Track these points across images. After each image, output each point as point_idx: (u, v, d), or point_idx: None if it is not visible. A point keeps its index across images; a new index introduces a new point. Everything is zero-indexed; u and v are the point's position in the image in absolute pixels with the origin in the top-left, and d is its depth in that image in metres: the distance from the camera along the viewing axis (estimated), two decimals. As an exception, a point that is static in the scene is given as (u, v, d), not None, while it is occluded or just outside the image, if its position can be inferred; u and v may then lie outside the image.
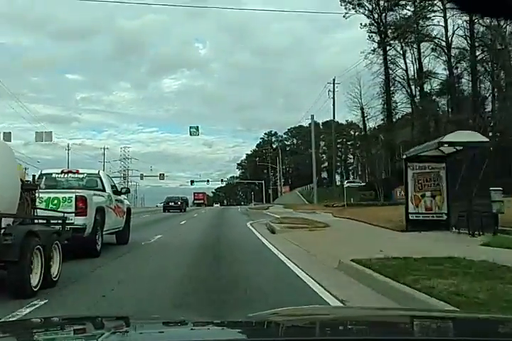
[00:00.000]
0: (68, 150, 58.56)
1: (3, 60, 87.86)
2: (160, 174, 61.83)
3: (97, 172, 10.56)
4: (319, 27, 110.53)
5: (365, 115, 42.44)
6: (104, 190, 10.06)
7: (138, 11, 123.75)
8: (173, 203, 35.17)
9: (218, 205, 76.42)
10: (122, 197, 11.48)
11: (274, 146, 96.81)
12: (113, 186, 11.03)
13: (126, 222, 10.99)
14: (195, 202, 71.07)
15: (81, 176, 10.36)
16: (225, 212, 29.59)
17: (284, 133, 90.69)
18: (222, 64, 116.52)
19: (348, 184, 42.10)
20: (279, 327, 1.67)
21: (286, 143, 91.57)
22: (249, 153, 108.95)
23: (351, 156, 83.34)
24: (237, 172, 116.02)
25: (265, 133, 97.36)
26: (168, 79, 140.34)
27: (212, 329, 1.68)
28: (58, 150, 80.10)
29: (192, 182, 71.74)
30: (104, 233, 9.34)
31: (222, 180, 75.11)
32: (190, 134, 36.31)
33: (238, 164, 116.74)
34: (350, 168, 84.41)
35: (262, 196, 77.86)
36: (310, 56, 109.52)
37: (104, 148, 72.52)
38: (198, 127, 36.39)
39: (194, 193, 78.23)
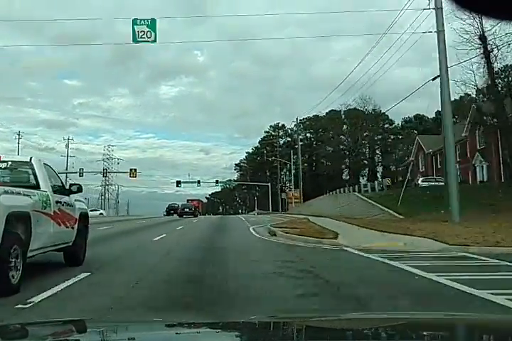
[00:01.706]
0: (16, 139, 56.64)
1: (2, 64, 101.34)
2: (131, 170, 58.97)
3: (28, 159, 8.42)
4: (318, 36, 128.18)
5: (491, 50, 27.29)
6: (37, 187, 7.97)
7: (137, 17, 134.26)
8: (187, 209, 50.39)
9: (211, 215, 74.02)
10: (73, 198, 9.46)
11: (282, 141, 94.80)
12: (56, 182, 8.97)
13: (81, 233, 9.29)
14: None
15: (3, 166, 8.27)
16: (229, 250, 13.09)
17: (295, 126, 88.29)
18: (220, 71, 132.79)
19: (425, 183, 33.93)
20: (279, 330, 1.98)
21: (296, 136, 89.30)
22: (250, 151, 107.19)
23: (379, 152, 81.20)
24: (235, 175, 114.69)
25: (271, 126, 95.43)
26: (166, 85, 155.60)
27: (202, 332, 1.90)
28: (54, 155, 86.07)
29: (178, 183, 69.40)
30: (34, 253, 7.24)
31: (217, 182, 72.76)
32: (134, 40, 22.38)
33: (236, 165, 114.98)
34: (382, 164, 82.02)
35: (268, 203, 75.73)
36: (308, 64, 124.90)
37: (68, 139, 70.75)
38: (154, 21, 22.30)
39: (187, 200, 77.52)
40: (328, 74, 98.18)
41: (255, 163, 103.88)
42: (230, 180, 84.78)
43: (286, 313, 2.70)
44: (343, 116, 77.62)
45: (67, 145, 70.84)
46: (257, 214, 74.84)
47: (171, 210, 65.59)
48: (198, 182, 70.47)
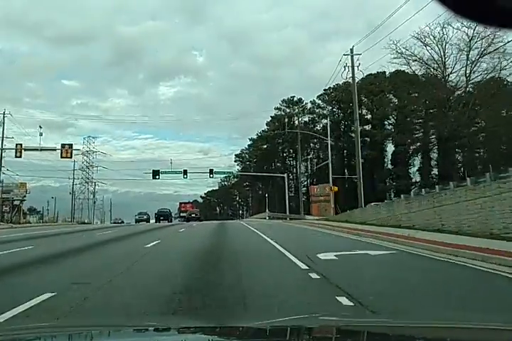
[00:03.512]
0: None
1: (0, 65, 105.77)
2: (63, 146, 42.33)
3: None
4: (317, 37, 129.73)
5: None
6: None
7: (136, 18, 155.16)
8: (194, 215, 57.53)
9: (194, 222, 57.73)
10: None
11: (297, 122, 77.83)
12: None
13: None
14: (182, 214, 66.18)
15: None
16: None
17: (318, 97, 71.08)
18: (219, 71, 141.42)
19: None
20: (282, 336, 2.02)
21: (321, 111, 71.99)
22: (255, 137, 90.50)
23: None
24: (235, 169, 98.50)
25: (283, 101, 77.94)
26: (165, 86, 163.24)
27: (200, 337, 2.06)
28: (52, 156, 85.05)
29: (156, 173, 52.45)
30: None
31: (211, 172, 54.43)
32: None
33: (237, 156, 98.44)
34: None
35: (279, 203, 58.50)
36: (307, 65, 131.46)
37: (4, 114, 53.86)
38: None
39: (180, 203, 72.68)
40: (327, 74, 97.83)
41: (261, 153, 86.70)
42: (230, 172, 66.90)
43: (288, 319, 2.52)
44: (388, 82, 60.25)
45: (2, 122, 53.88)
46: (269, 217, 57.92)
47: (160, 216, 59.33)
48: (185, 172, 53.12)
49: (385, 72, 60.44)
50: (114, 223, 69.02)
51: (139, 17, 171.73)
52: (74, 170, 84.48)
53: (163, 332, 2.13)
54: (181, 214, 68.12)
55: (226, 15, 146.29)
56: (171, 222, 58.51)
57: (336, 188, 41.28)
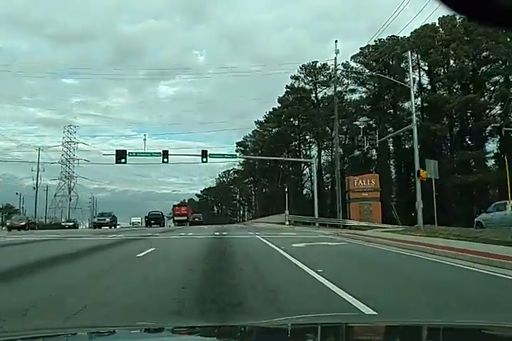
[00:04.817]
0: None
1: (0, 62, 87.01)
2: None
3: None
4: (318, 37, 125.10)
5: None
6: None
7: (138, 16, 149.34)
8: (197, 219, 60.75)
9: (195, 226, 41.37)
10: None
11: (323, 93, 60.34)
12: None
13: None
14: (176, 218, 64.32)
15: None
16: None
17: (352, 58, 53.22)
18: (219, 70, 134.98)
19: None
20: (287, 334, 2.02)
21: (359, 77, 54.11)
22: (261, 119, 73.56)
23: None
24: (237, 163, 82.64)
25: (303, 67, 59.91)
26: (165, 85, 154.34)
27: (204, 337, 2.03)
28: (50, 153, 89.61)
29: (121, 155, 34.90)
30: None
31: (205, 154, 35.25)
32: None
33: (239, 143, 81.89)
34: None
35: (313, 203, 40.75)
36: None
37: None
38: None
39: (174, 206, 69.75)
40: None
41: (269, 138, 69.25)
42: (231, 155, 49.12)
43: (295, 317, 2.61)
44: (462, 29, 42.33)
45: None
46: (289, 222, 40.36)
47: (151, 220, 55.72)
48: (164, 154, 35.37)
49: (454, 15, 42.55)
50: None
51: (140, 16, 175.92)
52: (39, 156, 69.86)
53: (166, 332, 2.12)
54: (175, 218, 64.94)
55: (227, 15, 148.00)
56: (164, 226, 54.96)
57: (425, 172, 23.35)
